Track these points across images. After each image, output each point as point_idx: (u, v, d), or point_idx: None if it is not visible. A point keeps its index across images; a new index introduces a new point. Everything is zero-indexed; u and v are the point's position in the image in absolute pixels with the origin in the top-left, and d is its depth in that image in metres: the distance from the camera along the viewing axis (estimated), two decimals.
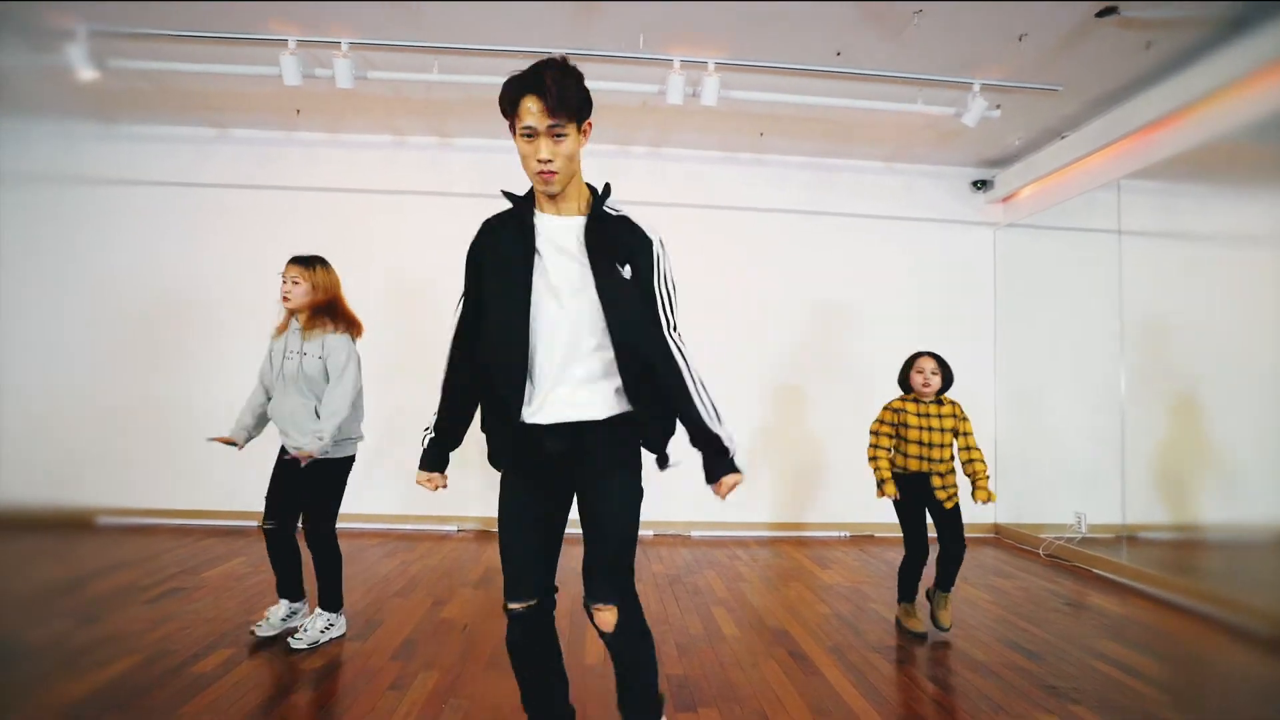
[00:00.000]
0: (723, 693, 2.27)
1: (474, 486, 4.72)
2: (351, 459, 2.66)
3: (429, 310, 4.79)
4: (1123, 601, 3.47)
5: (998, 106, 4.00)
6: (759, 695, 2.27)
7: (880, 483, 2.86)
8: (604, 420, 1.51)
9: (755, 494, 4.91)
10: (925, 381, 2.84)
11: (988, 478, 2.83)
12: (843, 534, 4.93)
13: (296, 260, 2.59)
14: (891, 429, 2.91)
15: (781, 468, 4.97)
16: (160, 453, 4.62)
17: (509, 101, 1.42)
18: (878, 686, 2.36)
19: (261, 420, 2.69)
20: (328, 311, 2.59)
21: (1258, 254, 3.26)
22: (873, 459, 2.91)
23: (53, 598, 3.01)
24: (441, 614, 2.97)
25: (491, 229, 1.59)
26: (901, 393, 2.97)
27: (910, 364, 2.93)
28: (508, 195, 1.58)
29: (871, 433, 2.95)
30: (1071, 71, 3.69)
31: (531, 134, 1.41)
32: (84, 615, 2.79)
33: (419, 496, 4.72)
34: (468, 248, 1.61)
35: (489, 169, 4.88)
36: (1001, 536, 4.97)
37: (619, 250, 1.50)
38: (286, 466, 2.58)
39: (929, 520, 2.87)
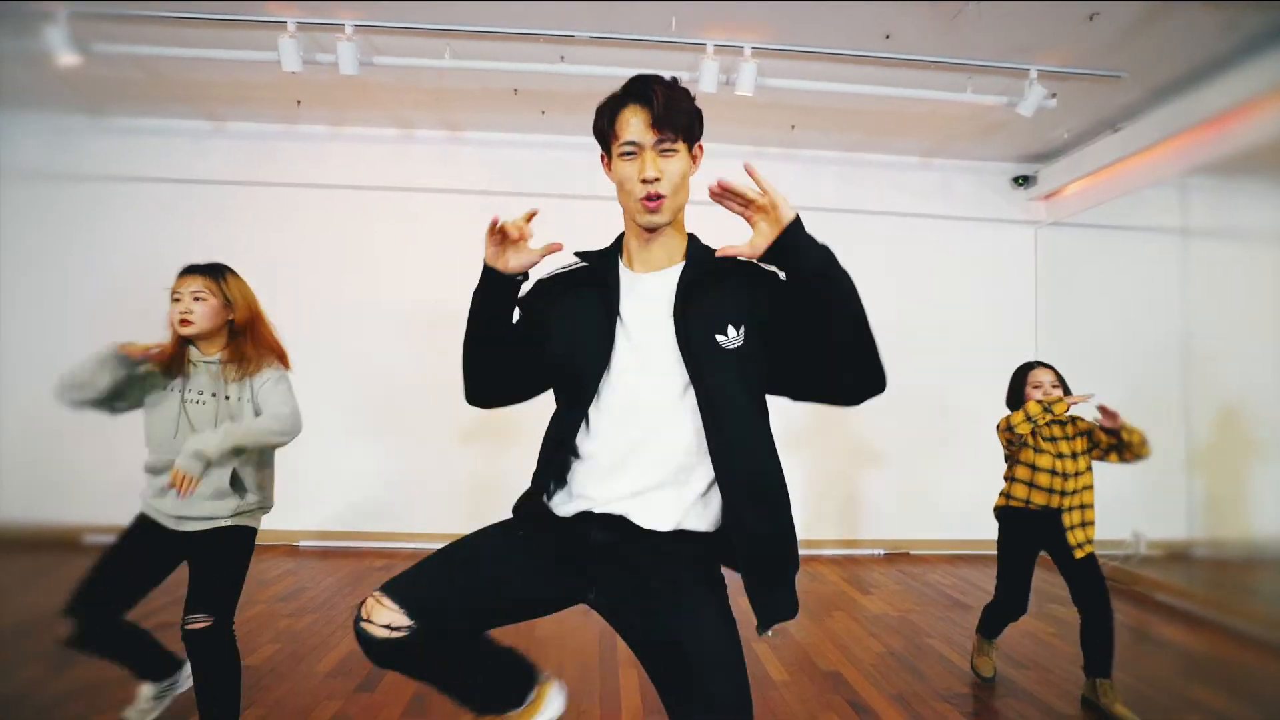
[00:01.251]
0: None
1: (479, 503, 4.44)
2: (255, 533, 1.92)
3: (439, 314, 4.51)
4: (1195, 634, 3.18)
5: (1053, 95, 3.70)
6: None
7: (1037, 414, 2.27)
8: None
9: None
10: (1046, 395, 2.40)
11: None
12: (878, 552, 4.64)
13: (196, 270, 1.90)
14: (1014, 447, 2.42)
15: (813, 481, 4.68)
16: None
17: (607, 117, 1.18)
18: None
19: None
20: (249, 336, 1.89)
21: None
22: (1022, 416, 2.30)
23: (25, 637, 2.71)
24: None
25: (548, 291, 1.29)
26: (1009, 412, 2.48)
27: (1023, 378, 2.48)
28: (582, 255, 1.28)
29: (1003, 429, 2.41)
30: (1138, 57, 3.40)
31: (634, 151, 1.14)
32: (58, 660, 2.50)
33: (423, 516, 4.43)
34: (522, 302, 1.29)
35: (502, 164, 4.60)
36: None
37: (727, 310, 1.17)
38: (166, 538, 1.83)
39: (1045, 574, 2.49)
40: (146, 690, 1.98)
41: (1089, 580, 2.35)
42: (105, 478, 4.33)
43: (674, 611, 1.09)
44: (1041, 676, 2.62)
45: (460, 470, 4.48)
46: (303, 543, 4.36)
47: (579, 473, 1.19)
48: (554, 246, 1.25)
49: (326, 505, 4.39)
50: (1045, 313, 4.87)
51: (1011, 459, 2.47)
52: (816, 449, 4.68)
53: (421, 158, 4.59)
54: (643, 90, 1.14)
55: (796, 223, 1.09)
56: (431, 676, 1.21)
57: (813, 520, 4.65)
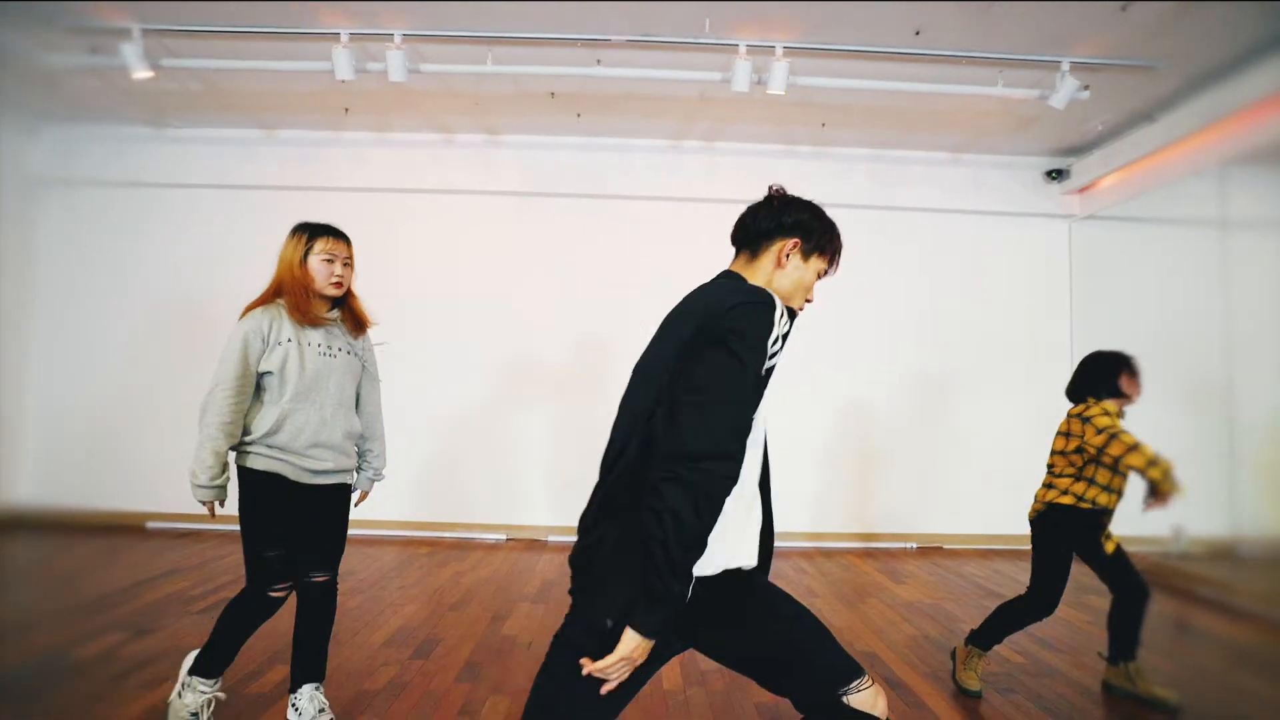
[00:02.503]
0: None
1: (522, 494, 4.59)
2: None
3: (481, 308, 4.67)
4: (1238, 626, 3.15)
5: (1086, 87, 3.70)
6: None
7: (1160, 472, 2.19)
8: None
9: (823, 503, 4.66)
10: (1141, 388, 2.33)
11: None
12: (910, 545, 4.65)
13: (344, 236, 1.99)
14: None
15: (848, 476, 4.72)
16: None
17: (833, 242, 1.31)
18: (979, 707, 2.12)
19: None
20: (351, 302, 2.02)
21: None
22: (1150, 458, 2.21)
23: (103, 608, 2.91)
24: (502, 630, 2.80)
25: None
26: (1094, 400, 2.36)
27: (1124, 363, 2.36)
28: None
29: (1123, 436, 2.25)
30: (1174, 46, 3.39)
31: (821, 276, 1.32)
32: (135, 627, 2.69)
33: (467, 505, 4.59)
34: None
35: (538, 167, 4.75)
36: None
37: None
38: (317, 498, 1.92)
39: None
40: (314, 697, 1.92)
41: (1124, 566, 2.35)
42: (163, 473, 4.59)
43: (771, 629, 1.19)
44: (1075, 659, 2.64)
45: (499, 477, 4.62)
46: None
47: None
48: None
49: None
50: (1081, 308, 4.83)
51: (1093, 459, 2.31)
52: (851, 447, 4.71)
53: (460, 161, 4.76)
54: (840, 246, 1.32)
55: None
56: None
57: (849, 515, 4.69)
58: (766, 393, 1.14)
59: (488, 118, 4.51)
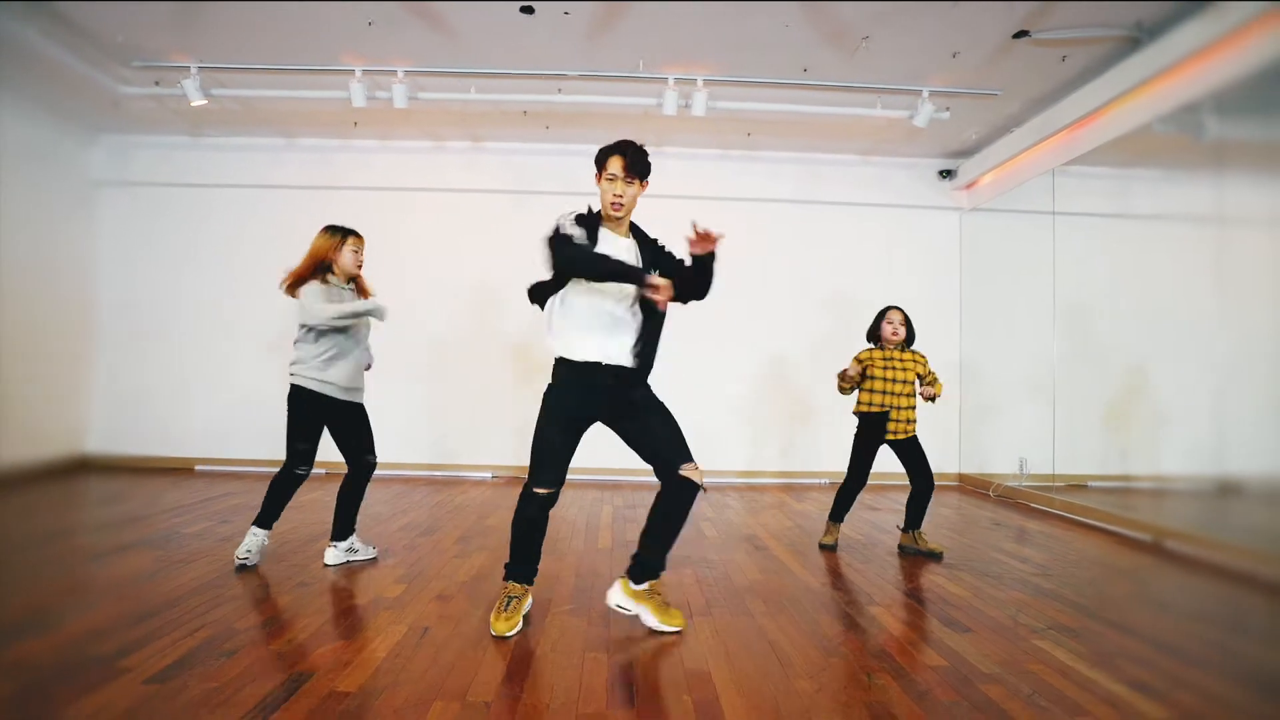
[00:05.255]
0: (700, 563, 3.07)
1: (504, 434, 5.58)
2: None
3: (468, 290, 5.62)
4: (1040, 522, 4.20)
5: (947, 109, 4.68)
6: (724, 563, 3.07)
7: (843, 379, 3.37)
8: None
9: (751, 448, 5.69)
10: (894, 330, 3.37)
11: (941, 385, 3.31)
12: (824, 481, 5.69)
13: (362, 235, 3.04)
14: (856, 374, 3.40)
15: (771, 425, 5.74)
16: (244, 415, 5.53)
17: (601, 155, 2.25)
18: (815, 562, 3.15)
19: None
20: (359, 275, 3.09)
21: (1170, 230, 3.93)
22: (839, 385, 3.44)
23: (196, 508, 3.92)
24: (487, 522, 3.82)
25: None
26: (869, 345, 3.50)
27: (881, 315, 3.43)
28: (588, 216, 2.32)
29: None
30: (1007, 78, 4.36)
31: (612, 179, 2.22)
32: (219, 519, 3.69)
33: (455, 447, 5.60)
34: None
35: (516, 168, 5.69)
36: (964, 484, 5.70)
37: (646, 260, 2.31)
38: (353, 412, 2.97)
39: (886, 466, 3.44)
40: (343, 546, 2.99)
41: (915, 458, 3.37)
42: (208, 424, 5.57)
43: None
44: (892, 535, 3.68)
45: (486, 421, 5.62)
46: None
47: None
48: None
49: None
50: (968, 283, 5.84)
51: (862, 380, 3.44)
52: (775, 400, 5.73)
53: (451, 164, 5.70)
54: (624, 149, 2.21)
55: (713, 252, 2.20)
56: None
57: (773, 457, 5.72)
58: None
59: (473, 128, 5.44)
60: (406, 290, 5.65)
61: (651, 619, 2.21)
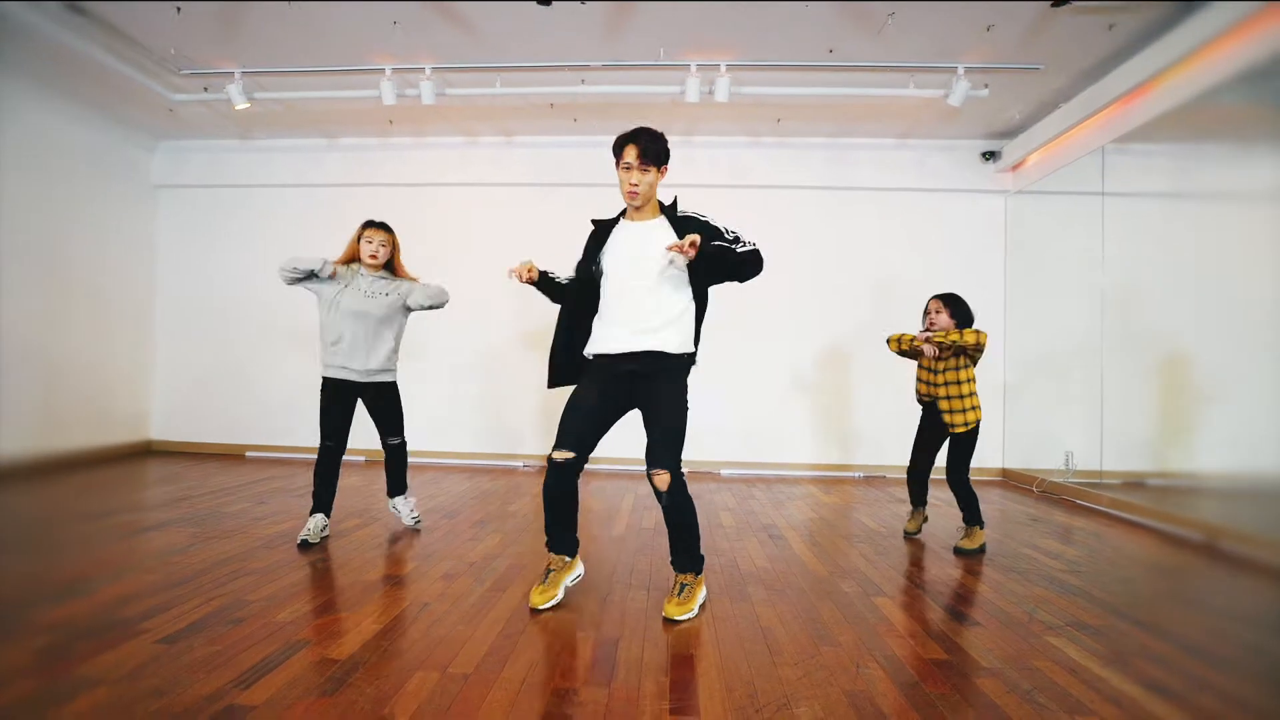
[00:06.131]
0: (709, 550, 3.04)
1: (535, 422, 5.65)
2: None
3: (499, 282, 5.72)
4: (1085, 520, 3.97)
5: (985, 86, 4.46)
6: (734, 551, 3.03)
7: (905, 340, 3.24)
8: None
9: (783, 439, 5.60)
10: (930, 321, 3.27)
11: (948, 337, 3.13)
12: (857, 474, 5.54)
13: (383, 225, 3.22)
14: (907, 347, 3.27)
15: (808, 418, 5.63)
16: (290, 405, 5.79)
17: (617, 145, 2.29)
18: (829, 552, 3.08)
19: None
20: (396, 262, 3.28)
21: (1234, 210, 3.65)
22: (894, 341, 3.28)
23: (239, 490, 4.14)
24: (509, 508, 3.89)
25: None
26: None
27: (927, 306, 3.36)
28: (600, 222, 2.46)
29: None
30: (1049, 51, 4.13)
31: (628, 167, 2.26)
32: (257, 500, 3.89)
33: (488, 436, 5.70)
34: None
35: (545, 162, 5.75)
36: (1007, 479, 5.45)
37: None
38: (371, 391, 3.17)
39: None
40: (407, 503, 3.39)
41: (957, 451, 3.23)
42: (258, 413, 5.86)
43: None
44: (927, 533, 3.55)
45: (519, 414, 5.72)
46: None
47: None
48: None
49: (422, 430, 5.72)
50: (1014, 269, 5.57)
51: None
52: (810, 393, 5.61)
53: (482, 160, 5.81)
54: (636, 137, 2.23)
55: (701, 252, 2.15)
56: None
57: (808, 450, 5.61)
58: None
59: (503, 123, 5.52)
60: (447, 283, 5.81)
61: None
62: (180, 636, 1.93)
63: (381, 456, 3.37)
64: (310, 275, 3.02)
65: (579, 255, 2.42)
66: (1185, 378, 3.81)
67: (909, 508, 3.58)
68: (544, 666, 1.79)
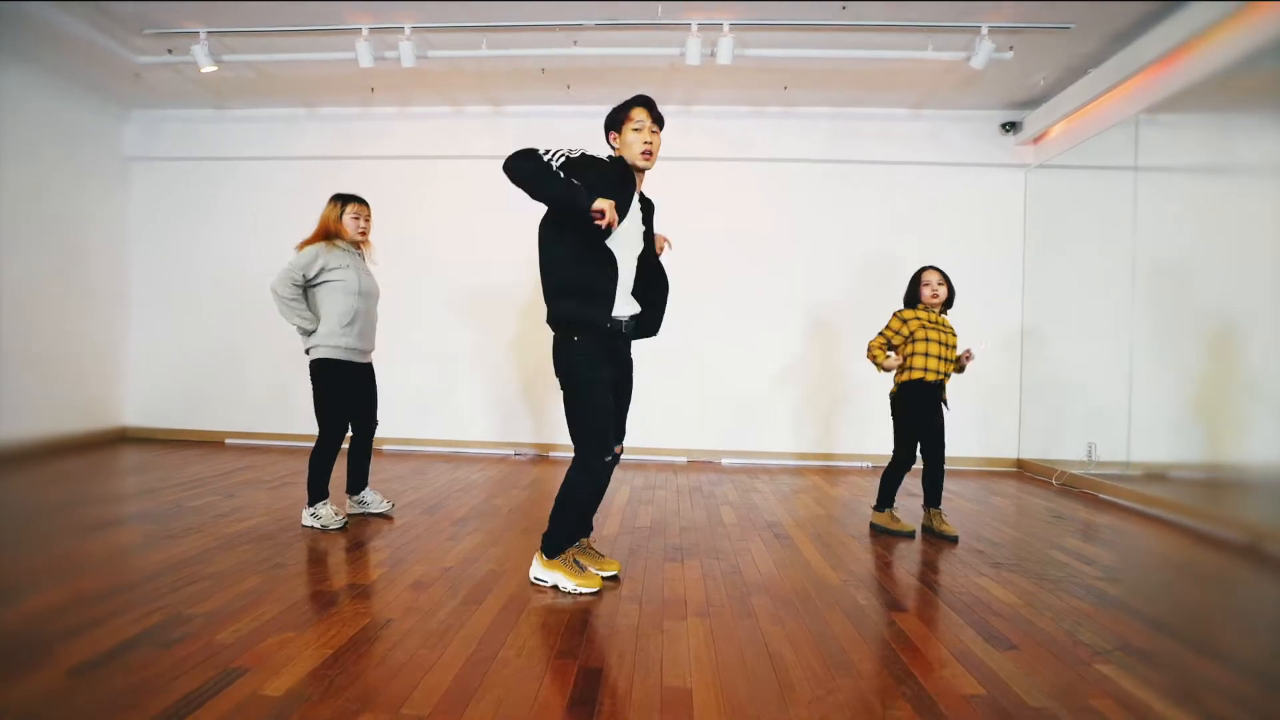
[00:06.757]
0: (709, 553, 2.79)
1: (524, 408, 5.39)
2: None
3: (490, 260, 5.43)
4: (1110, 516, 3.71)
5: (1010, 48, 4.12)
6: (737, 553, 2.78)
7: (879, 360, 3.09)
8: None
9: (785, 426, 5.33)
10: (934, 293, 3.06)
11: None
12: (865, 464, 5.28)
13: (365, 201, 3.13)
14: (899, 338, 3.09)
15: (812, 403, 5.35)
16: (273, 391, 5.53)
17: (624, 109, 2.26)
18: (839, 554, 2.82)
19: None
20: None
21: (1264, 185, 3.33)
22: (870, 354, 3.11)
23: (210, 481, 3.88)
24: (494, 503, 3.63)
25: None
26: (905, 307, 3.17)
27: (917, 278, 3.14)
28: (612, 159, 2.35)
29: (876, 340, 3.16)
30: (1080, 10, 3.79)
31: (640, 127, 2.25)
32: (226, 493, 3.63)
33: (479, 425, 5.44)
34: None
35: (537, 132, 5.40)
36: (1023, 471, 5.18)
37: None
38: (365, 372, 3.15)
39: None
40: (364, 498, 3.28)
41: (940, 437, 3.11)
42: (237, 401, 5.60)
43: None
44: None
45: (506, 402, 5.44)
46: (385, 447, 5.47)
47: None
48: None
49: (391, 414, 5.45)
50: (1033, 248, 5.26)
51: (905, 345, 3.14)
52: (816, 376, 5.33)
53: (471, 130, 5.47)
54: (646, 100, 2.26)
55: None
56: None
57: (810, 437, 5.34)
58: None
59: (492, 92, 5.18)
60: (429, 259, 5.51)
61: (567, 583, 2.26)
62: (99, 663, 1.67)
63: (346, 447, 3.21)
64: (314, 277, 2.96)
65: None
66: (1229, 363, 3.52)
67: (908, 506, 3.33)
68: (514, 704, 1.54)
